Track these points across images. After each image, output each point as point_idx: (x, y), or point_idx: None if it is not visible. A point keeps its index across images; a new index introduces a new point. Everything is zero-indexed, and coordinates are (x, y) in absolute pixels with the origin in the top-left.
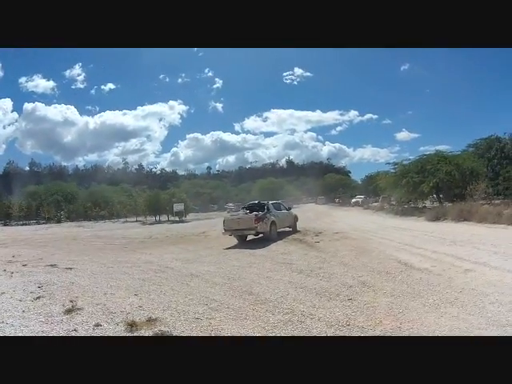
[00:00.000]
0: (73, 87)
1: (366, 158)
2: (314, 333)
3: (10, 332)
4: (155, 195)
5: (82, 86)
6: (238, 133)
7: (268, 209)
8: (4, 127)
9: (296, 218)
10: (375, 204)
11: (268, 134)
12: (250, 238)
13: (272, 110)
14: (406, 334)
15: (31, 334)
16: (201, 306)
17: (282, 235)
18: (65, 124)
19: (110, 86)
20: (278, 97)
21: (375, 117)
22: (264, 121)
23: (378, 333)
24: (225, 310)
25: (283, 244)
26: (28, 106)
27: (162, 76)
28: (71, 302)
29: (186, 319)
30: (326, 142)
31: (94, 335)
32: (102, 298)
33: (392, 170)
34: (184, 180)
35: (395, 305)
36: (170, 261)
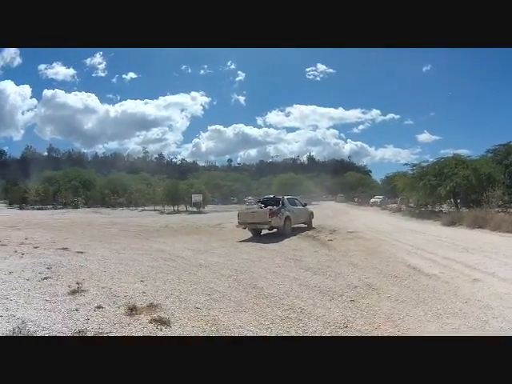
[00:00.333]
0: (93, 75)
1: (388, 158)
2: (310, 332)
3: (12, 308)
4: (174, 185)
5: (102, 75)
6: (260, 126)
7: (283, 204)
8: (23, 113)
9: (312, 215)
10: (393, 205)
11: (290, 129)
12: (264, 232)
13: (294, 105)
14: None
15: (34, 312)
16: (203, 295)
17: (296, 231)
18: (85, 111)
19: (132, 75)
20: (301, 92)
21: (397, 117)
22: (286, 116)
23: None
24: (226, 301)
25: (296, 240)
26: (47, 92)
27: (184, 67)
28: (77, 283)
29: (186, 307)
30: (348, 140)
31: (94, 335)
32: (108, 281)
33: (410, 172)
34: (204, 171)
35: (397, 310)
36: (181, 250)
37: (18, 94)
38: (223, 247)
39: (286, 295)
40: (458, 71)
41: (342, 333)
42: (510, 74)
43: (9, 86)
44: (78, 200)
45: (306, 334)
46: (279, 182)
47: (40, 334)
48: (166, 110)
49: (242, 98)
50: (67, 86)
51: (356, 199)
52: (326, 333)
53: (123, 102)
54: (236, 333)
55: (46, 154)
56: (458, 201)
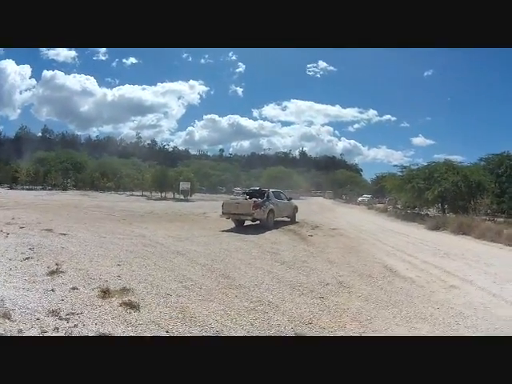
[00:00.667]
0: (94, 58)
1: (380, 158)
2: (274, 325)
3: None
4: (162, 171)
5: (103, 58)
6: (255, 119)
7: (268, 196)
8: (21, 92)
9: (296, 209)
10: (379, 205)
11: (285, 124)
12: (247, 223)
13: (292, 99)
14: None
15: (13, 290)
16: (175, 283)
17: (279, 224)
18: (83, 94)
19: (132, 60)
20: (300, 87)
21: (393, 119)
22: (283, 110)
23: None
24: (196, 289)
25: (277, 233)
26: (47, 73)
27: (185, 55)
28: (57, 265)
29: (157, 293)
30: (342, 138)
31: (93, 335)
32: (86, 264)
33: (399, 173)
34: (195, 160)
35: (366, 311)
36: (162, 237)
37: (17, 73)
38: (204, 236)
39: (256, 287)
40: (459, 78)
41: (304, 328)
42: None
43: (9, 65)
44: (68, 182)
45: (305, 334)
46: (268, 175)
47: (16, 312)
48: (163, 97)
49: (240, 90)
50: (67, 67)
51: (344, 197)
52: (289, 328)
53: (121, 87)
54: (201, 321)
55: (39, 134)
56: (446, 206)
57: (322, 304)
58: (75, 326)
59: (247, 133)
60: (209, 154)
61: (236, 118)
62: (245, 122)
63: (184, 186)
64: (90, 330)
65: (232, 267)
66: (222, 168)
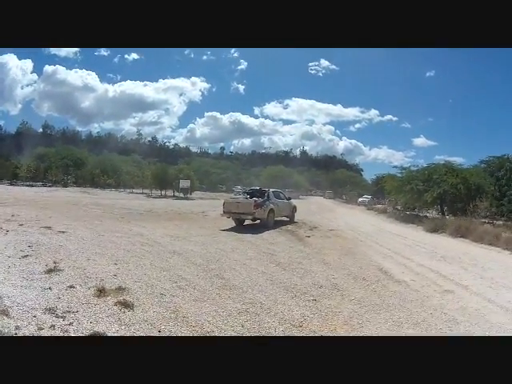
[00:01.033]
0: (96, 54)
1: (381, 158)
2: (264, 327)
3: None
4: (162, 169)
5: (105, 54)
6: (256, 116)
7: (268, 196)
8: (22, 87)
9: (294, 209)
10: (379, 206)
11: (287, 122)
12: (247, 222)
13: (293, 98)
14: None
15: (11, 288)
16: (170, 282)
17: (277, 224)
18: (84, 89)
19: (134, 56)
20: (301, 86)
21: (395, 119)
22: (284, 108)
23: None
24: (190, 289)
25: (274, 233)
26: (49, 68)
27: (187, 51)
28: (54, 263)
29: (152, 293)
30: (343, 138)
31: (92, 335)
32: (83, 262)
33: (399, 174)
34: (196, 157)
35: (357, 314)
36: (160, 236)
37: (19, 68)
38: (201, 235)
39: (250, 289)
40: (461, 80)
41: (294, 331)
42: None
43: (11, 59)
44: (68, 179)
45: (305, 334)
46: (268, 174)
47: (14, 309)
48: (165, 94)
49: (241, 87)
50: (69, 62)
51: (344, 197)
52: (280, 330)
53: (123, 83)
54: (193, 321)
55: (40, 130)
56: (445, 208)
57: (313, 307)
58: (71, 323)
59: (248, 131)
60: (210, 151)
61: (237, 115)
62: (246, 119)
63: (184, 184)
64: (84, 328)
65: (227, 268)
66: (223, 166)
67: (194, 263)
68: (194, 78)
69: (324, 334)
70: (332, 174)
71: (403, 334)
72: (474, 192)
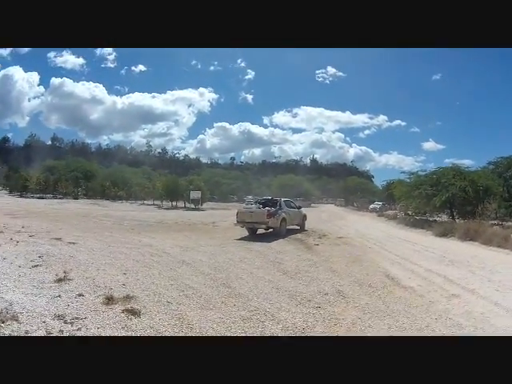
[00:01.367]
0: (102, 66)
1: (391, 164)
2: (267, 333)
3: (2, 290)
4: (173, 180)
5: (112, 66)
6: (266, 126)
7: (280, 205)
8: (29, 100)
9: (305, 218)
10: (390, 212)
11: (296, 131)
12: (260, 231)
13: (302, 106)
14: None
15: (21, 295)
16: (177, 291)
17: (288, 233)
18: (92, 101)
19: (141, 67)
20: (309, 94)
21: (404, 124)
22: (293, 116)
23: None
24: (196, 298)
25: (283, 242)
26: (55, 80)
27: (194, 62)
28: (64, 272)
29: (159, 301)
30: (353, 144)
31: (91, 335)
32: (93, 272)
33: (407, 180)
34: (206, 168)
35: (361, 321)
36: (169, 246)
37: (25, 80)
38: (210, 246)
39: (255, 297)
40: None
41: None
42: None
43: (17, 72)
44: (79, 191)
45: (305, 335)
46: (279, 183)
47: (24, 315)
48: (173, 105)
49: (249, 97)
50: (76, 75)
51: (355, 204)
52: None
53: (131, 95)
54: (198, 328)
55: (49, 142)
56: (455, 211)
57: (317, 314)
58: (79, 329)
59: (258, 140)
60: (220, 162)
61: (247, 125)
62: (255, 129)
63: (194, 194)
64: (91, 333)
65: (234, 277)
66: (233, 176)
67: (201, 273)
68: (201, 89)
69: (324, 334)
70: (343, 182)
71: (403, 334)
72: (482, 194)
